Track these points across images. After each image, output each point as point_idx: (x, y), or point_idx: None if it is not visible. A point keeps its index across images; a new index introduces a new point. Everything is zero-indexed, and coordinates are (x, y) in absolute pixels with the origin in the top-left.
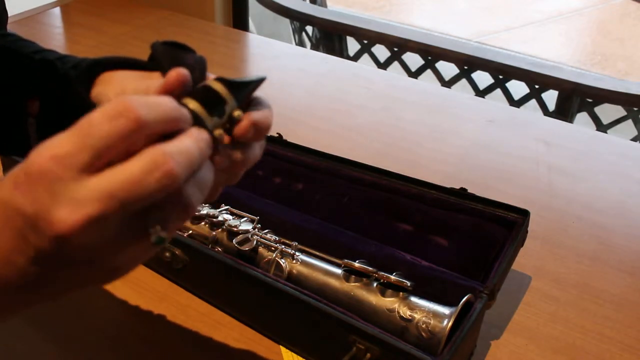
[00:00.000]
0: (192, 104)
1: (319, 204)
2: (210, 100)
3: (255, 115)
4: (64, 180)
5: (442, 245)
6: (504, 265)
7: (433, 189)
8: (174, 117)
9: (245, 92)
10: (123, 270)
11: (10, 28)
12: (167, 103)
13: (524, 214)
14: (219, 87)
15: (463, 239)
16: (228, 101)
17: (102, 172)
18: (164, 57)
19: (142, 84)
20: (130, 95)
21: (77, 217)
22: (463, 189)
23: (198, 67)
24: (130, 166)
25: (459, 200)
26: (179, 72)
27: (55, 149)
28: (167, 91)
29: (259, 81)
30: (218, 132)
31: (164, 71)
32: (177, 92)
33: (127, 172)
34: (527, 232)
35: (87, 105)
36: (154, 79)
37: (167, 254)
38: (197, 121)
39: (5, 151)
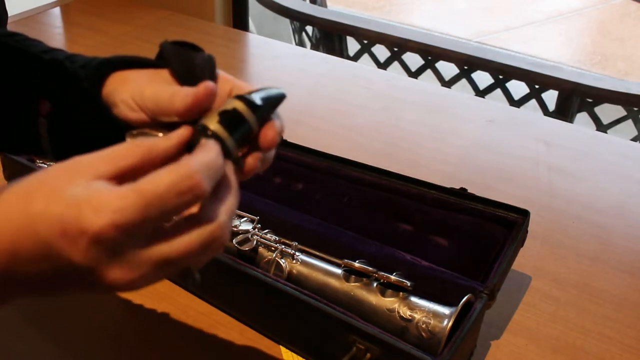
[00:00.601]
0: (217, 128)
1: (319, 204)
2: (234, 124)
3: (271, 133)
4: (124, 246)
5: (442, 245)
6: (504, 265)
7: (433, 189)
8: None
9: (265, 112)
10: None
11: (10, 28)
12: (221, 167)
13: (524, 214)
14: (241, 107)
15: (463, 239)
16: (251, 123)
17: (160, 240)
18: (173, 56)
19: (162, 88)
20: (194, 164)
21: (132, 277)
22: (463, 189)
23: (208, 67)
24: (188, 237)
25: (459, 200)
26: (208, 87)
27: (118, 215)
28: (198, 105)
29: (280, 98)
30: (240, 153)
31: (173, 70)
32: (207, 106)
33: (185, 242)
34: (527, 232)
35: (98, 105)
36: (164, 78)
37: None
38: (223, 149)
39: (16, 150)
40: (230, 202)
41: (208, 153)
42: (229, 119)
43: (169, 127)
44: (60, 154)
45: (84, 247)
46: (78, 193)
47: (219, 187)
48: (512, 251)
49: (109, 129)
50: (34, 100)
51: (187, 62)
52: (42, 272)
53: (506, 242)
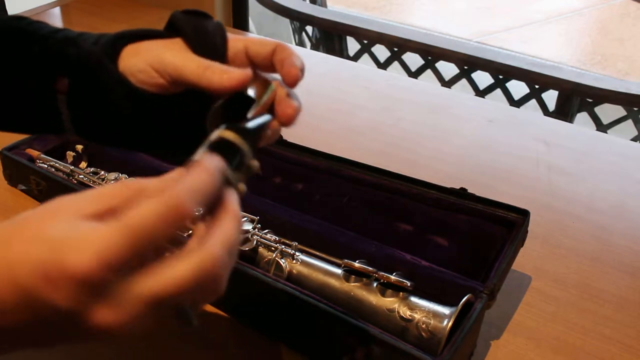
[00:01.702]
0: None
1: (319, 204)
2: (230, 155)
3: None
4: (111, 285)
5: (442, 245)
6: (503, 265)
7: (433, 189)
8: (214, 196)
9: (256, 138)
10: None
11: None
12: (214, 188)
13: (524, 214)
14: (233, 137)
15: (463, 239)
16: (245, 152)
17: (148, 275)
18: (186, 25)
19: (184, 56)
20: (181, 190)
21: (123, 319)
22: (463, 189)
23: (219, 33)
24: (177, 269)
25: (459, 200)
26: (249, 74)
27: (102, 253)
28: (239, 86)
29: (267, 123)
30: (241, 187)
31: (187, 38)
32: (246, 87)
33: (174, 275)
34: (527, 232)
35: (116, 78)
36: (178, 45)
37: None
38: (226, 181)
39: (39, 129)
40: (226, 230)
41: (198, 175)
42: (217, 145)
43: None
44: (82, 130)
45: (68, 290)
46: (59, 234)
47: (216, 215)
48: (512, 251)
49: (128, 100)
50: (51, 78)
51: (200, 30)
52: (24, 324)
53: (506, 242)
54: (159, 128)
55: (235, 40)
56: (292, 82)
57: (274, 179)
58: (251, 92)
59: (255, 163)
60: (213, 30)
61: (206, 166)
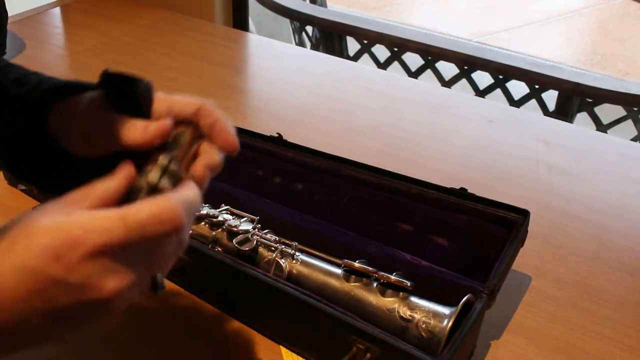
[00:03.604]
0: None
1: (319, 204)
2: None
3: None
4: (112, 260)
5: (442, 245)
6: (503, 265)
7: (433, 189)
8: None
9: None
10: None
11: (10, 28)
12: (199, 205)
13: (524, 214)
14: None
15: (463, 239)
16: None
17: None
18: (115, 85)
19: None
20: (179, 207)
21: (123, 284)
22: (463, 189)
23: (148, 95)
24: (164, 250)
25: (459, 200)
26: (165, 124)
27: (105, 236)
28: (160, 138)
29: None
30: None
31: (116, 100)
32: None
33: (160, 250)
34: (527, 232)
35: (41, 130)
36: (104, 107)
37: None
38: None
39: None
40: (186, 193)
41: (190, 190)
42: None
43: None
44: (8, 164)
45: (80, 265)
46: (63, 219)
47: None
48: (512, 251)
49: (52, 149)
50: None
51: (129, 93)
52: (36, 313)
53: (506, 242)
54: (83, 178)
55: (159, 102)
56: (231, 150)
57: (274, 179)
58: None
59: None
60: (144, 91)
61: (197, 188)
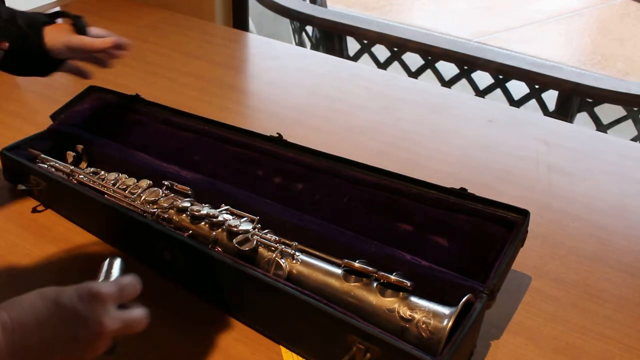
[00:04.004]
0: None
1: (319, 204)
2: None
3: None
4: (109, 306)
5: (442, 245)
6: (503, 265)
7: (433, 189)
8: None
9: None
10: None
11: None
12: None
13: (524, 214)
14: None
15: (463, 239)
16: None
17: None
18: (72, 18)
19: (80, 37)
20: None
21: (115, 327)
22: (463, 189)
23: (86, 24)
24: (136, 312)
25: (459, 200)
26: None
27: (107, 292)
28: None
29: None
30: None
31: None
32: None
33: (135, 315)
34: (527, 232)
35: (38, 47)
36: (69, 30)
37: (167, 254)
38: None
39: None
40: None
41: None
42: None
43: None
44: (7, 68)
45: (87, 303)
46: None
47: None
48: (512, 251)
49: (41, 56)
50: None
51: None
52: (55, 332)
53: (506, 242)
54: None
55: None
56: (122, 46)
57: (274, 179)
58: None
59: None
60: (84, 23)
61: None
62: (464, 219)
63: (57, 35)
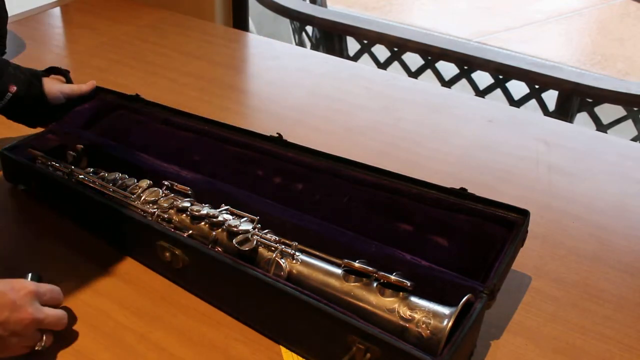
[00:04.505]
0: None
1: (319, 204)
2: None
3: None
4: (36, 300)
5: (442, 245)
6: (503, 265)
7: (433, 189)
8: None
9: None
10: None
11: (10, 28)
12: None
13: (524, 214)
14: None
15: (463, 239)
16: None
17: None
18: (62, 72)
19: (69, 85)
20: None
21: (39, 315)
22: (463, 189)
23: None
24: (57, 311)
25: (459, 200)
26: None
27: (36, 289)
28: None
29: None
30: None
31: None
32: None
33: (56, 312)
34: (527, 232)
35: (40, 93)
36: (59, 80)
37: (167, 254)
38: None
39: None
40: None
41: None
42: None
43: None
44: (7, 114)
45: (23, 295)
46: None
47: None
48: (512, 251)
49: (42, 103)
50: (7, 85)
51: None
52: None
53: (506, 242)
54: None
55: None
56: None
57: (274, 178)
58: None
59: None
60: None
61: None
62: (464, 219)
63: (53, 85)
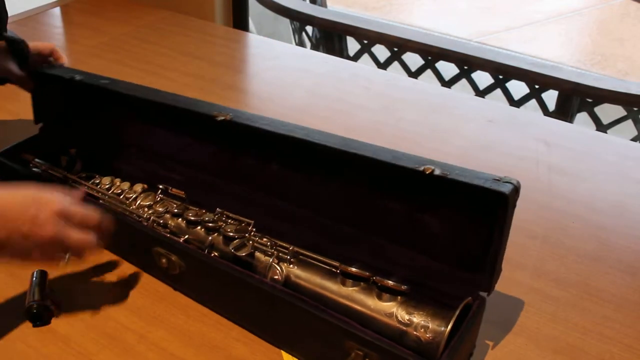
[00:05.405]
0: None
1: (295, 190)
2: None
3: None
4: (59, 218)
5: (433, 239)
6: (500, 260)
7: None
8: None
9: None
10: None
11: (11, 28)
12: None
13: (502, 196)
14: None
15: (451, 229)
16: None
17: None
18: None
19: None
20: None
21: (81, 236)
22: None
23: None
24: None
25: (434, 197)
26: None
27: (59, 206)
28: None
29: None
30: None
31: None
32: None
33: (87, 236)
34: (515, 205)
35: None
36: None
37: (164, 260)
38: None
39: None
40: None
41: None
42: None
43: None
44: None
45: (48, 211)
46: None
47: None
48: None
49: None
50: None
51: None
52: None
53: (494, 229)
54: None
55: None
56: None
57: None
58: None
59: None
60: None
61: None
62: (447, 210)
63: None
